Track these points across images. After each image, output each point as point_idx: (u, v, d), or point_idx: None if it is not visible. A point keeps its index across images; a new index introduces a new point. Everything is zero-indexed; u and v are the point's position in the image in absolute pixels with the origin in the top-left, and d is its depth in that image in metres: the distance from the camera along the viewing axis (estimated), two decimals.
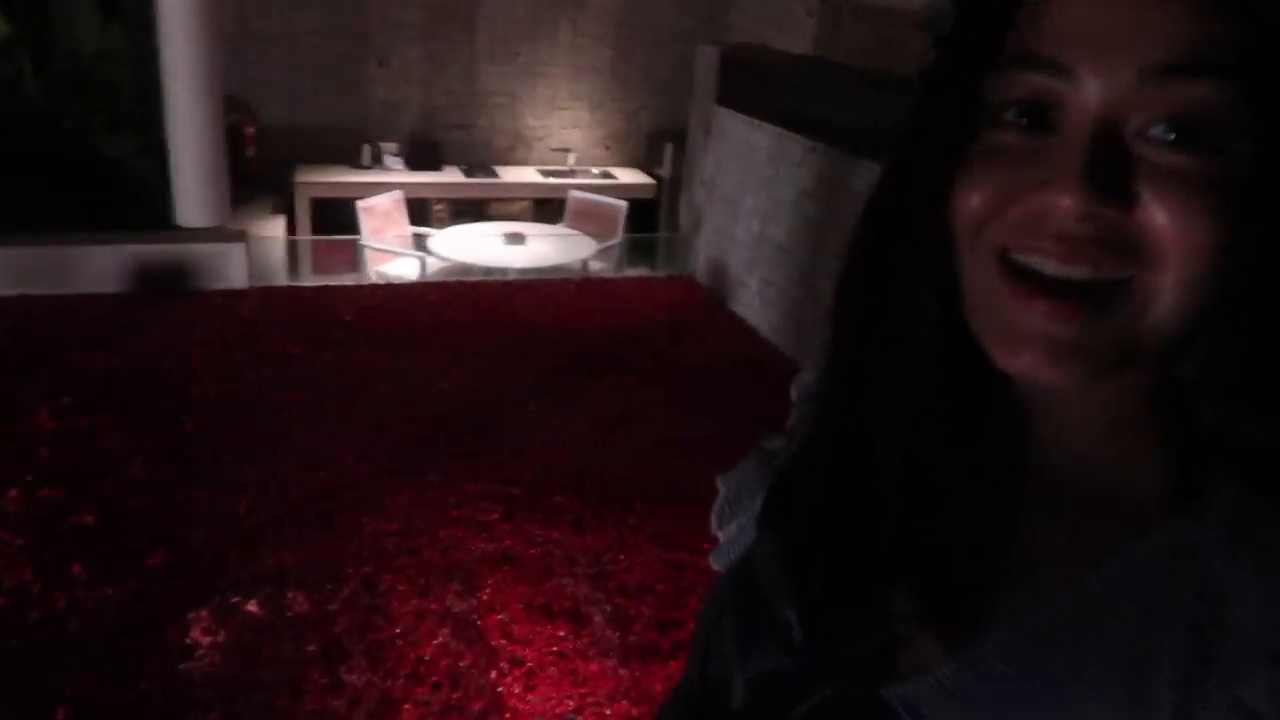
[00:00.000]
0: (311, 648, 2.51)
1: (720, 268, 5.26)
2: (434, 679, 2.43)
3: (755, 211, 4.86)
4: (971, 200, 0.45)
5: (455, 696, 2.38)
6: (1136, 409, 0.46)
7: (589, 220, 6.37)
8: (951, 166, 0.46)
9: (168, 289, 4.78)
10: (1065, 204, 0.41)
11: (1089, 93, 0.41)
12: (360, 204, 5.74)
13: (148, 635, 2.50)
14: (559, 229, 6.38)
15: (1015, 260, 0.44)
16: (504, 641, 2.57)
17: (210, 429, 3.53)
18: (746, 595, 0.59)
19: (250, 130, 6.57)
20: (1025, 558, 0.50)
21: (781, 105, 4.58)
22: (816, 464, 0.57)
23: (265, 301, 4.78)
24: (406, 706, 2.34)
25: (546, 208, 7.62)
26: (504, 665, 2.49)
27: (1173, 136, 0.40)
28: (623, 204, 6.27)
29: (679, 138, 7.47)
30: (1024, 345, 0.43)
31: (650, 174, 7.67)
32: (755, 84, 4.83)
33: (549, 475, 3.36)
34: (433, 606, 2.69)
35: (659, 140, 7.66)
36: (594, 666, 2.50)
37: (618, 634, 2.62)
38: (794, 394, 0.68)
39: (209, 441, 3.45)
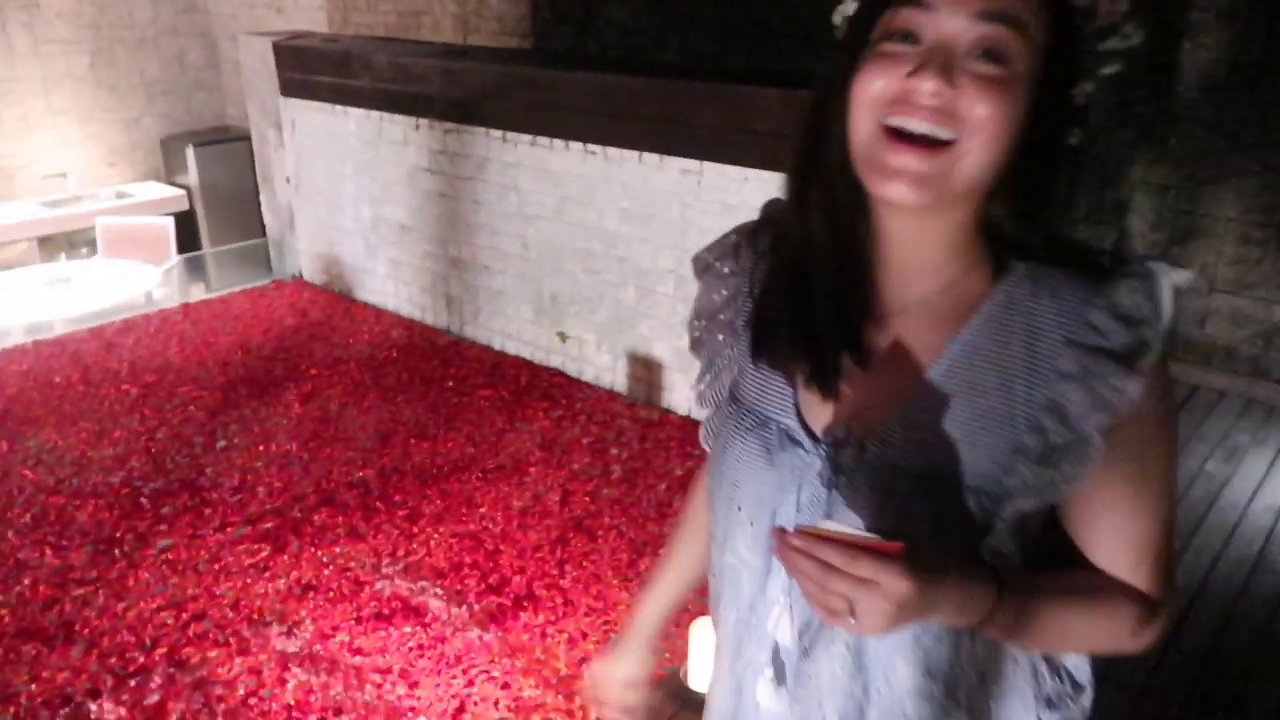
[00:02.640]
0: None
1: (333, 261, 5.15)
2: (314, 717, 2.33)
3: (362, 197, 4.84)
4: (870, 84, 0.74)
5: None
6: (967, 233, 0.78)
7: (130, 246, 5.72)
8: (854, 69, 0.75)
9: None
10: (926, 85, 0.70)
11: (942, 22, 0.71)
12: None
13: None
14: (99, 262, 5.63)
15: (889, 123, 0.72)
16: (360, 658, 2.53)
17: None
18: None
19: None
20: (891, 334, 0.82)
21: (367, 89, 4.59)
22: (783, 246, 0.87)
23: None
24: None
25: (54, 244, 6.61)
26: (375, 677, 2.46)
27: (980, 53, 0.70)
28: (168, 220, 5.73)
29: (200, 140, 6.92)
30: (894, 177, 0.72)
31: (174, 184, 7.02)
32: (327, 71, 4.75)
33: (290, 498, 3.21)
34: (262, 656, 2.52)
35: (174, 146, 7.02)
36: (458, 643, 2.58)
37: (461, 609, 2.71)
38: (696, 268, 0.96)
39: None
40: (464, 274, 4.49)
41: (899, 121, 0.72)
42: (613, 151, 3.74)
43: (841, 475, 0.81)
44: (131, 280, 5.13)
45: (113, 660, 2.50)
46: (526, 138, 4.02)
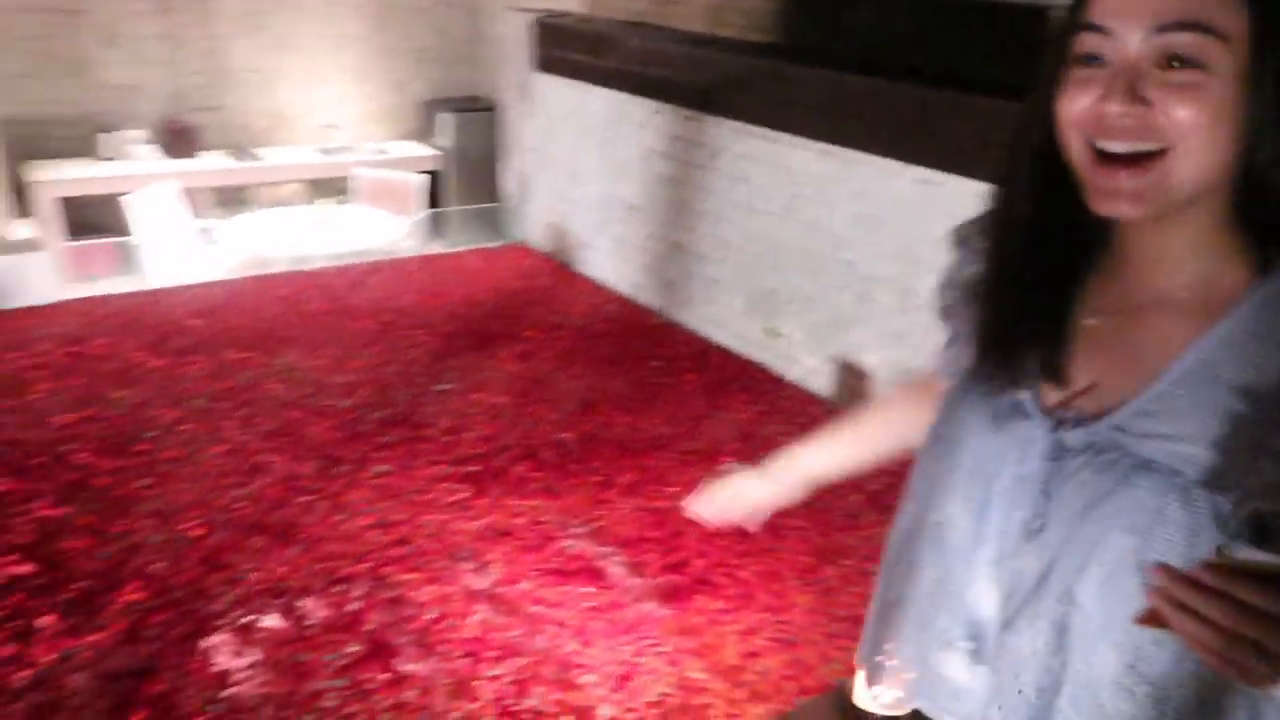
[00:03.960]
0: (354, 649, 2.43)
1: (562, 232, 5.37)
2: (492, 653, 2.46)
3: (597, 174, 5.01)
4: (1069, 108, 0.76)
5: (522, 665, 2.42)
6: (1216, 229, 0.77)
7: (382, 197, 6.18)
8: (1053, 92, 0.78)
9: None
10: (1113, 109, 0.73)
11: (1121, 43, 0.73)
12: (127, 199, 5.20)
13: (170, 671, 2.31)
14: (354, 209, 6.13)
15: (1095, 145, 0.75)
16: (539, 608, 2.63)
17: (104, 457, 3.18)
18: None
19: None
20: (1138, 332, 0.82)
21: (616, 70, 4.75)
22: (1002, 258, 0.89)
23: (86, 314, 4.28)
24: (480, 683, 2.36)
25: (320, 189, 7.25)
26: (550, 628, 2.56)
27: (1168, 62, 0.71)
28: (417, 178, 6.15)
29: (456, 107, 7.38)
30: (1110, 197, 0.75)
31: (429, 145, 7.52)
32: (581, 50, 4.95)
33: (497, 448, 3.39)
34: (452, 588, 2.68)
35: (433, 110, 7.51)
36: (632, 613, 2.64)
37: (640, 580, 2.76)
38: (953, 239, 0.99)
39: (109, 472, 3.12)
40: (683, 259, 4.56)
41: (1102, 144, 0.75)
42: (849, 153, 3.68)
43: (1067, 453, 0.82)
44: (382, 228, 5.56)
45: (324, 565, 2.73)
46: (762, 131, 4.02)
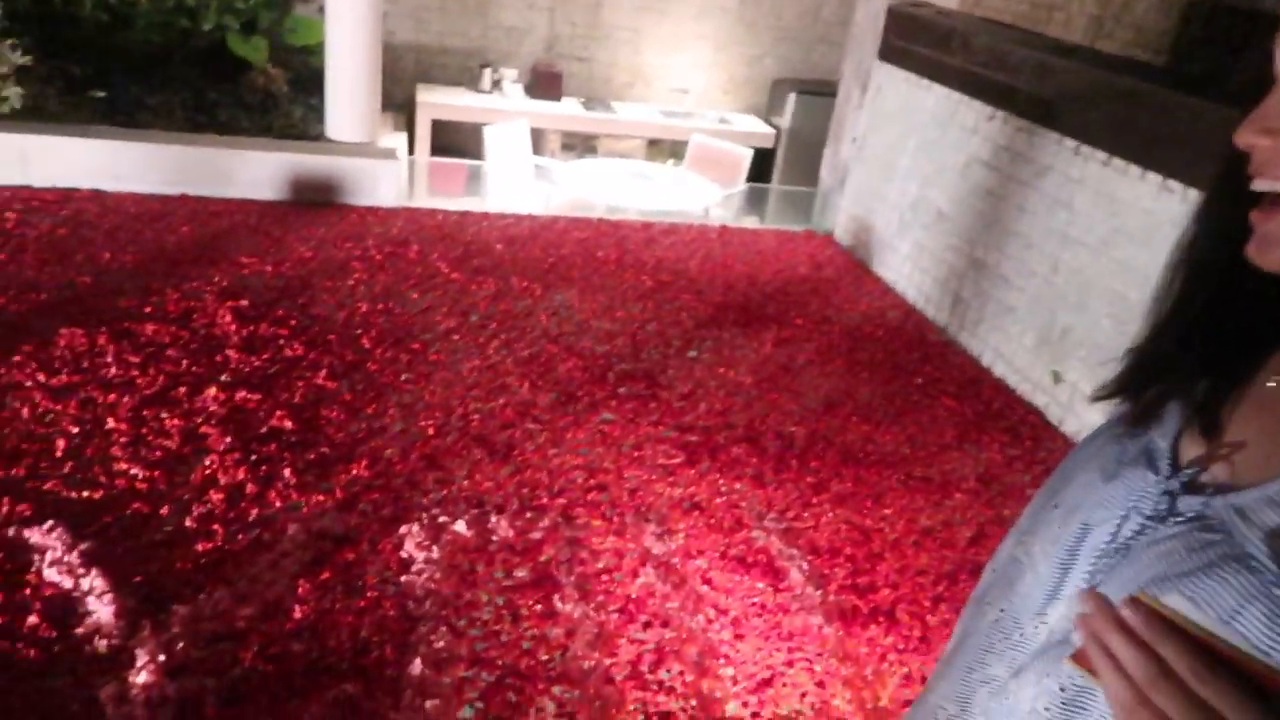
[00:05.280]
0: (521, 574, 2.54)
1: (865, 227, 5.18)
2: (644, 617, 2.46)
3: (913, 174, 4.76)
4: (1238, 139, 0.63)
5: (668, 637, 2.40)
6: None
7: (710, 165, 6.27)
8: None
9: (318, 201, 4.80)
10: (1261, 142, 0.60)
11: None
12: (488, 129, 5.70)
13: (365, 544, 2.55)
14: (680, 171, 6.30)
15: (1259, 186, 0.61)
16: (706, 588, 2.59)
17: (383, 347, 3.56)
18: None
19: None
20: None
21: (957, 67, 4.45)
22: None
23: (414, 222, 4.79)
24: (622, 642, 2.37)
25: (658, 148, 7.54)
26: (709, 611, 2.51)
27: None
28: (748, 151, 6.16)
29: (803, 89, 7.32)
30: (1262, 243, 0.62)
31: (768, 123, 7.53)
32: (927, 42, 4.69)
33: (723, 425, 3.36)
34: (631, 545, 2.71)
35: (781, 89, 7.51)
36: (797, 622, 2.52)
37: (818, 592, 2.63)
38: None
39: (383, 358, 3.48)
40: (980, 279, 4.22)
41: (1255, 185, 0.63)
42: (1195, 194, 3.18)
43: (1175, 518, 0.68)
44: (697, 194, 5.67)
45: (525, 490, 2.87)
46: (1101, 155, 3.59)
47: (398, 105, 6.78)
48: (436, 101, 6.65)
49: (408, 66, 7.04)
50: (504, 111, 6.40)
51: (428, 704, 2.11)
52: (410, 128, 6.63)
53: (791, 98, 7.30)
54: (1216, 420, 0.71)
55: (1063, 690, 0.71)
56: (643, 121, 7.22)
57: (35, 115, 4.70)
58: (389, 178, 4.88)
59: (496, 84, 6.99)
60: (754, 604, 2.56)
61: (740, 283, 4.62)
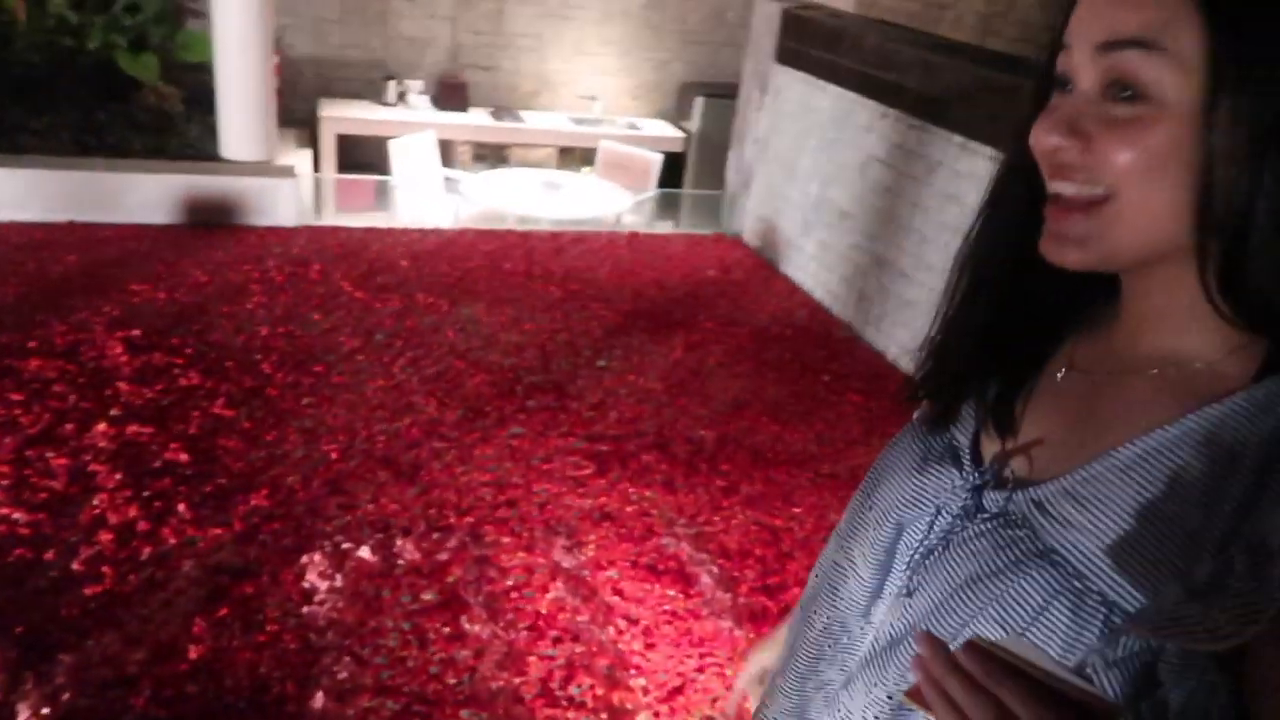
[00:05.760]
0: (428, 596, 2.51)
1: (771, 228, 5.24)
2: (554, 633, 2.44)
3: (814, 174, 4.83)
4: (1031, 138, 0.65)
5: (578, 652, 2.39)
6: (1199, 306, 0.61)
7: (620, 172, 6.28)
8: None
9: (212, 223, 4.67)
10: (1047, 141, 0.63)
11: (1074, 63, 0.62)
12: (393, 143, 5.62)
13: (265, 576, 2.49)
14: (590, 179, 6.30)
15: (1061, 189, 0.64)
16: (617, 599, 2.59)
17: (284, 371, 3.48)
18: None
19: (276, 60, 6.39)
20: (1101, 400, 0.69)
21: (849, 68, 4.53)
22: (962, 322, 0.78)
23: (315, 240, 4.69)
24: (531, 659, 2.36)
25: (569, 156, 7.52)
26: (620, 622, 2.51)
27: (1115, 93, 0.59)
28: (657, 157, 6.19)
29: (710, 92, 7.38)
30: (1054, 240, 0.64)
31: (678, 127, 7.58)
32: (820, 44, 4.77)
33: (632, 432, 3.37)
34: (540, 560, 2.69)
35: (689, 93, 7.56)
36: (709, 627, 2.53)
37: (728, 595, 2.65)
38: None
39: (284, 383, 3.40)
40: (882, 275, 4.30)
41: (1050, 184, 0.65)
42: None
43: (980, 515, 0.70)
44: (608, 201, 5.67)
45: (432, 511, 2.84)
46: (987, 150, 3.69)
47: (300, 121, 6.64)
48: (340, 116, 6.53)
49: (309, 80, 6.91)
50: (410, 124, 6.32)
51: None
52: (314, 144, 6.50)
53: (699, 101, 7.35)
54: (1010, 416, 0.73)
55: (890, 699, 0.73)
56: (552, 130, 7.20)
57: None
58: (287, 196, 4.77)
59: (401, 96, 6.90)
60: (665, 612, 2.57)
61: (649, 289, 4.63)
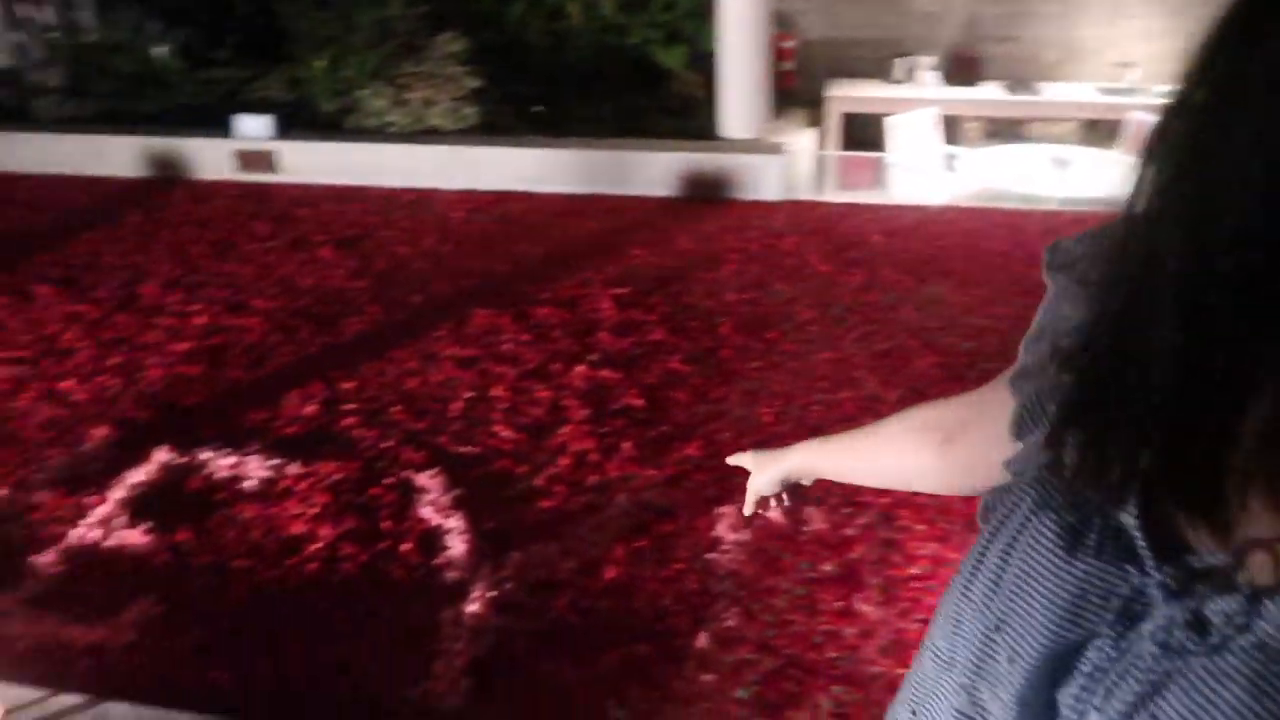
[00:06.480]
0: (827, 567, 2.50)
1: None
2: None
3: None
4: None
5: None
6: None
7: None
8: None
9: (708, 196, 5.08)
10: None
11: None
12: (889, 120, 5.56)
13: (683, 519, 2.68)
14: (1113, 155, 5.62)
15: None
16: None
17: (739, 334, 3.68)
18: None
19: (789, 44, 6.66)
20: None
21: None
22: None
23: (795, 215, 4.86)
24: (914, 652, 2.23)
25: (1095, 131, 6.78)
26: None
27: None
28: None
29: None
30: None
31: None
32: None
33: None
34: (953, 555, 2.53)
35: None
36: None
37: None
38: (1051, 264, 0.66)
39: (737, 346, 3.60)
40: None
41: None
42: None
43: (1207, 639, 0.47)
44: (1127, 180, 5.04)
45: (850, 487, 2.80)
46: None
47: (810, 101, 6.88)
48: (846, 95, 6.64)
49: (821, 62, 7.12)
50: (915, 101, 6.21)
51: (705, 677, 2.18)
52: (821, 123, 6.70)
53: None
54: (1220, 481, 0.46)
55: None
56: (1073, 102, 6.56)
57: (489, 130, 5.54)
58: (774, 172, 5.00)
59: (910, 73, 6.80)
60: None
61: None
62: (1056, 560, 0.55)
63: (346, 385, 3.39)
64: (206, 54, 6.00)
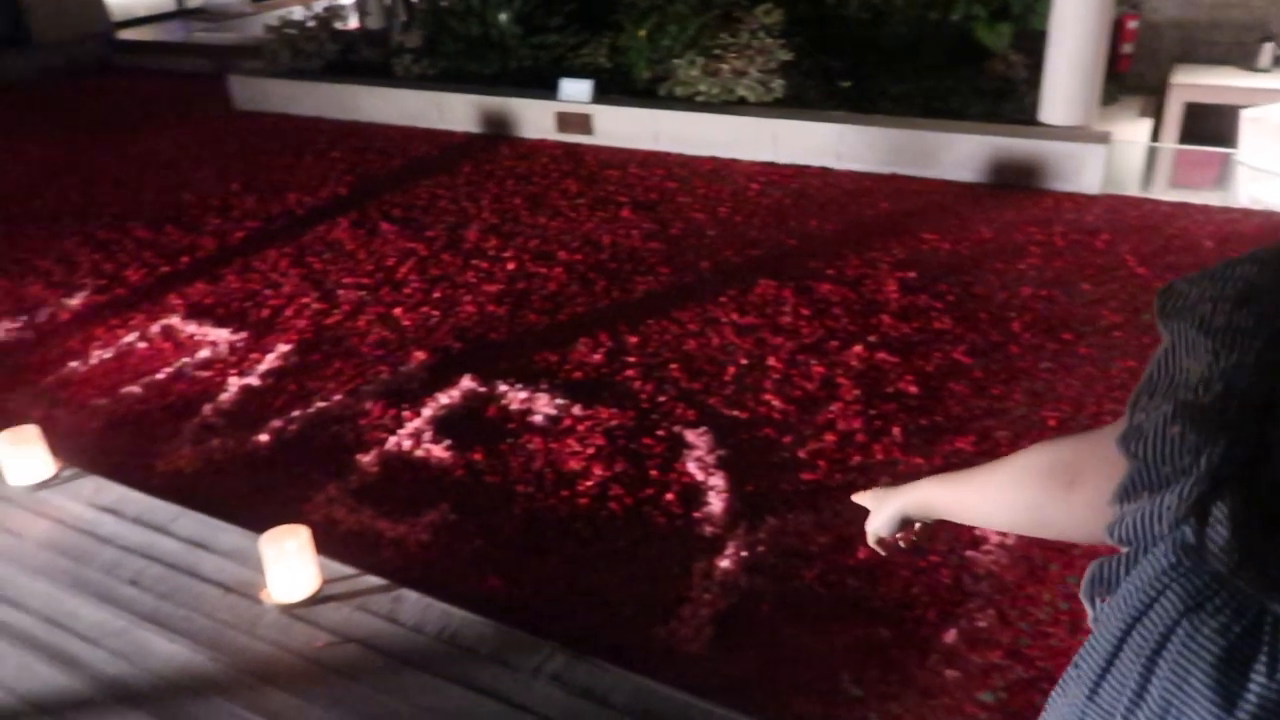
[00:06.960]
0: None
1: None
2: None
3: None
4: None
5: None
6: None
7: None
8: None
9: (1016, 184, 4.79)
10: None
11: None
12: (1246, 113, 4.95)
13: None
14: None
15: None
16: None
17: (1031, 332, 3.48)
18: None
19: (1132, 25, 6.08)
20: None
21: None
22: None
23: (1113, 210, 4.48)
24: None
25: None
26: None
27: None
28: None
29: None
30: None
31: None
32: None
33: None
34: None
35: None
36: None
37: None
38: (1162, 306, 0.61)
39: (1028, 344, 3.41)
40: None
41: None
42: None
43: None
44: None
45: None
46: None
47: (1149, 88, 6.27)
48: (1193, 83, 5.98)
49: (1169, 45, 6.45)
50: (1273, 91, 5.49)
51: (949, 673, 2.14)
52: (1159, 113, 6.09)
53: None
54: None
55: None
56: None
57: (795, 104, 5.56)
58: (1095, 163, 4.63)
59: (1277, 61, 6.01)
60: None
61: None
62: (1222, 685, 0.49)
63: (631, 339, 3.60)
64: (544, 21, 6.45)
